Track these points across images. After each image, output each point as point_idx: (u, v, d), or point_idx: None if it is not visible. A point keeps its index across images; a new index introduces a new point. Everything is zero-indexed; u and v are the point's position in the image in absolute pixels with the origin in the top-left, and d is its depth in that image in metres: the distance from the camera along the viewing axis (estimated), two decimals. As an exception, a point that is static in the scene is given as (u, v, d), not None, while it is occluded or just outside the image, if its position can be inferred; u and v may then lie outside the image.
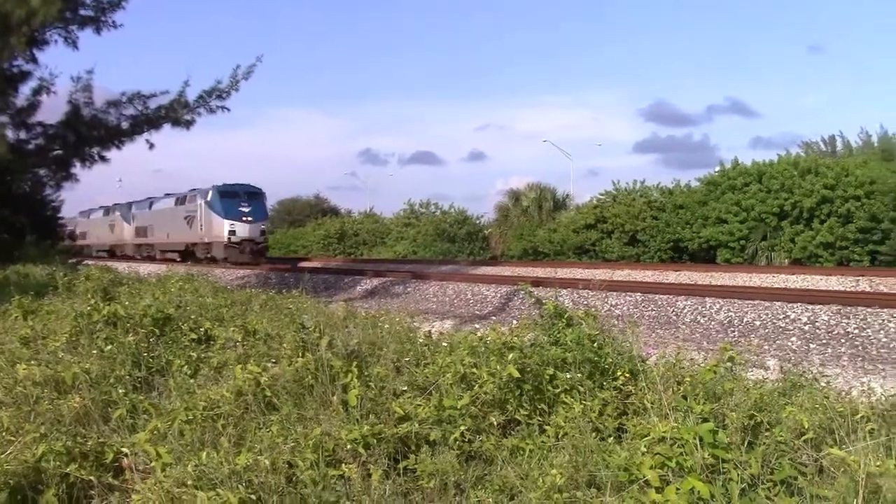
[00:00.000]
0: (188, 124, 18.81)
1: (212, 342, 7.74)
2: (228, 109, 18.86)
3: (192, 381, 6.39)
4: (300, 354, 6.08)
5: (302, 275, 19.89)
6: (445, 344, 6.90)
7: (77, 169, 19.98)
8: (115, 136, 18.98)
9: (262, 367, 5.90)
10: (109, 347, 7.25)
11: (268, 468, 4.25)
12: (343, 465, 4.38)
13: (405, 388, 5.60)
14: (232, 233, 37.55)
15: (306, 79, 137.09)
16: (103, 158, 19.41)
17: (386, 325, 7.91)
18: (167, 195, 46.84)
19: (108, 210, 57.27)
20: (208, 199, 39.09)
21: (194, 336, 7.88)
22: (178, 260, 41.02)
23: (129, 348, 7.20)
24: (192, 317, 8.51)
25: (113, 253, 53.99)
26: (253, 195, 39.64)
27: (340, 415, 5.06)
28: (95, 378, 6.43)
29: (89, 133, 18.78)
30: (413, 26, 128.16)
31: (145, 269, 26.62)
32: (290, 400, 5.45)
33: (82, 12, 18.03)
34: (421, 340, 7.34)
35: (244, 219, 38.13)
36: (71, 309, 8.73)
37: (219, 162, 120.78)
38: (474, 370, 5.51)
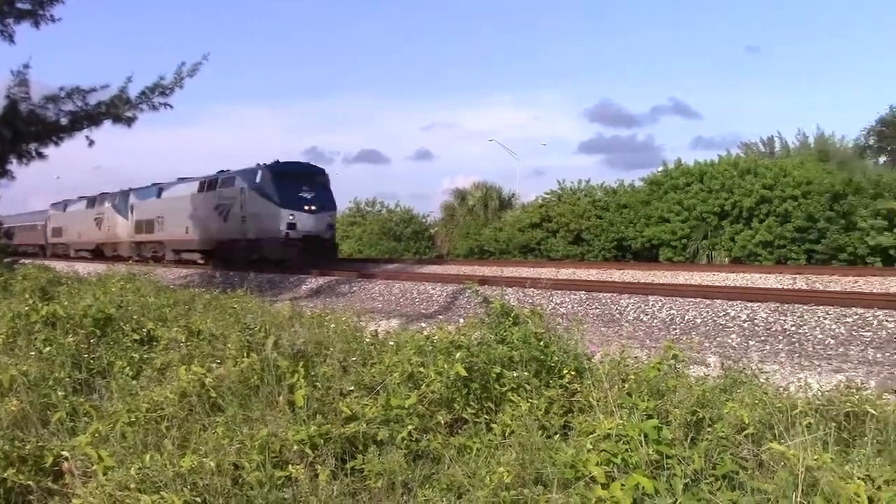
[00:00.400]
0: (130, 121, 18.50)
1: (155, 343, 7.62)
2: (171, 107, 18.60)
3: (134, 382, 6.28)
4: (245, 355, 6.03)
5: (246, 274, 19.68)
6: (392, 343, 6.90)
7: (13, 166, 19.50)
8: (53, 133, 18.57)
9: (206, 367, 5.83)
10: (48, 349, 7.10)
11: (213, 470, 4.21)
12: (290, 465, 4.36)
13: (352, 387, 5.58)
14: (291, 226, 27.96)
15: (252, 76, 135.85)
16: (41, 155, 18.99)
17: (332, 325, 7.86)
18: (181, 180, 36.94)
19: (93, 201, 45.70)
20: (257, 181, 29.30)
21: (136, 337, 7.74)
22: (202, 262, 32.95)
23: (69, 350, 7.05)
24: (135, 317, 8.35)
25: (100, 253, 42.96)
26: (315, 176, 30.00)
27: (287, 415, 5.03)
28: (34, 380, 6.29)
29: (26, 129, 18.35)
30: (359, 25, 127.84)
31: (85, 268, 26.04)
32: (235, 401, 5.40)
33: (19, 5, 17.64)
34: (367, 340, 7.32)
35: (307, 207, 28.42)
36: (7, 309, 8.52)
37: (161, 159, 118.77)
38: (421, 369, 5.52)
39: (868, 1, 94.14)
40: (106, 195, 43.88)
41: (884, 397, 5.46)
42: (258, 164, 29.95)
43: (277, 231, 27.97)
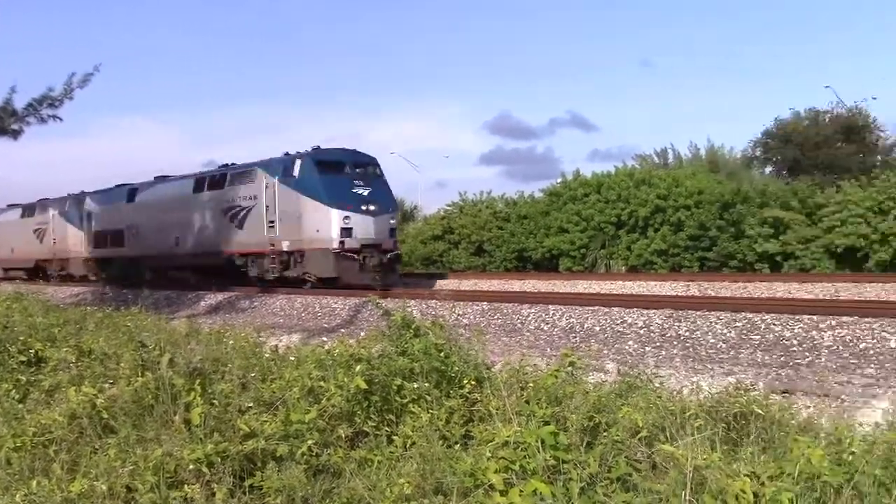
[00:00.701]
0: (16, 134, 17.75)
1: (43, 364, 7.36)
2: (61, 119, 17.89)
3: (20, 405, 6.05)
4: (139, 374, 5.89)
5: (141, 291, 19.16)
6: (293, 358, 6.85)
7: None
8: (-68, 147, 17.69)
9: (98, 388, 5.66)
10: (-74, 374, 6.77)
11: (105, 494, 4.09)
12: (185, 485, 4.27)
13: (251, 404, 5.51)
14: (346, 232, 21.23)
15: (146, 86, 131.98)
16: (-82, 169, 18.08)
17: (231, 341, 7.75)
18: (161, 179, 29.65)
19: (31, 208, 37.17)
20: (293, 173, 22.35)
21: (23, 358, 7.48)
22: (192, 282, 25.76)
23: (-51, 374, 6.74)
24: (21, 338, 8.05)
25: (40, 272, 34.40)
26: (368, 166, 23.20)
27: (183, 434, 4.92)
28: None
29: None
30: (255, 34, 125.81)
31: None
32: (128, 421, 5.26)
33: None
34: (268, 355, 7.25)
35: (364, 207, 21.64)
36: None
37: (48, 171, 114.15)
38: (322, 383, 5.49)
39: (753, 19, 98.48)
40: (48, 201, 36.05)
41: (770, 397, 5.70)
42: (287, 153, 23.51)
43: (327, 239, 21.25)
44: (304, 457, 4.60)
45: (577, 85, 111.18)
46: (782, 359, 9.80)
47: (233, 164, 25.83)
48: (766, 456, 4.12)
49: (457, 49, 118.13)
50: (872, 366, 8.92)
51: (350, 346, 6.17)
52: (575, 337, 12.41)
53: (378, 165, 23.57)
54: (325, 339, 11.37)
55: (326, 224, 21.29)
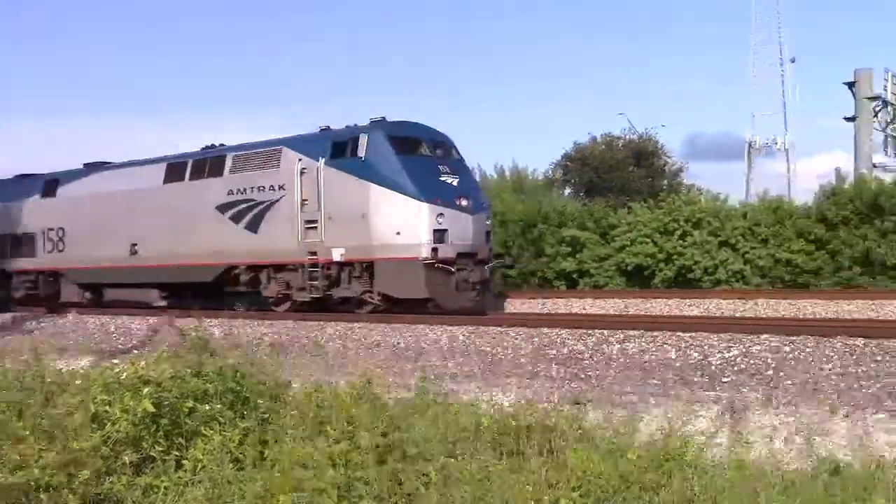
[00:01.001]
0: None
1: None
2: None
3: None
4: None
5: None
6: (78, 382, 6.47)
7: None
8: None
9: None
10: None
11: None
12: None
13: (27, 432, 5.15)
14: (439, 235, 15.40)
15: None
16: None
17: (8, 365, 7.23)
18: (92, 165, 22.14)
19: None
20: (359, 152, 16.09)
21: None
22: (162, 306, 19.49)
23: None
24: None
25: None
26: (446, 147, 17.21)
27: (-57, 470, 4.53)
28: None
29: None
30: (80, 35, 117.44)
31: None
32: None
33: None
34: (50, 380, 6.81)
35: (459, 200, 15.83)
36: None
37: None
38: (108, 408, 5.22)
39: (560, 42, 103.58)
40: None
41: (561, 409, 5.96)
42: (328, 127, 17.60)
43: (414, 244, 15.37)
44: (83, 486, 4.35)
45: (387, 100, 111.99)
46: (575, 372, 10.27)
47: (221, 144, 19.48)
48: (549, 465, 4.30)
49: (273, 63, 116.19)
50: (656, 377, 9.52)
51: (140, 367, 5.90)
52: (380, 354, 12.46)
53: (456, 147, 17.59)
54: (116, 361, 10.81)
55: (413, 224, 15.42)
